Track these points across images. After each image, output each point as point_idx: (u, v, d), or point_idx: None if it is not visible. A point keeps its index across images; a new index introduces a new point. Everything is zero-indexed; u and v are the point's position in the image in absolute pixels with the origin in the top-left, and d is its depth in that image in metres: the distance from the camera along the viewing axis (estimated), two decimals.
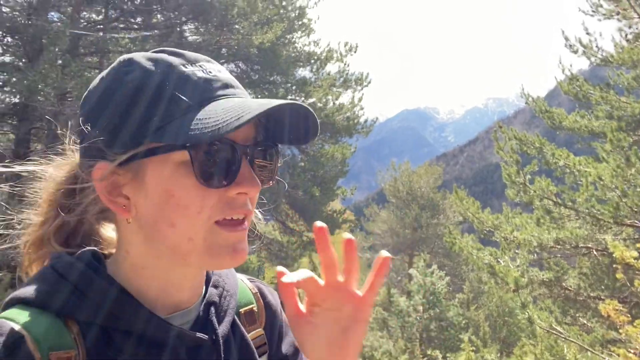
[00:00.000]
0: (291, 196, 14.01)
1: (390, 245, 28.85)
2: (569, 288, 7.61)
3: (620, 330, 3.71)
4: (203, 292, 0.85)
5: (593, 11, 7.74)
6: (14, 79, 8.68)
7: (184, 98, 0.69)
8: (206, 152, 0.69)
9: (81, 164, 0.75)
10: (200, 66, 0.74)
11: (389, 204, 29.57)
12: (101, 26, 11.09)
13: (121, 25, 11.98)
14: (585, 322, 7.98)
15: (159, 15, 12.54)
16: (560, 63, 8.05)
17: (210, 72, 0.73)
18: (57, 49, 8.67)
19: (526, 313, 4.27)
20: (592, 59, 7.97)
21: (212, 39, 11.55)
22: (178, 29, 12.36)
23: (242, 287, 0.96)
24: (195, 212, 0.70)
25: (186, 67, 0.72)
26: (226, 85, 0.74)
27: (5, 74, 9.32)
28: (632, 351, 3.97)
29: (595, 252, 7.01)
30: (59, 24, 9.87)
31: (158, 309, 0.76)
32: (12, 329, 0.65)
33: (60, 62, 8.49)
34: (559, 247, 6.90)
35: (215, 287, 0.87)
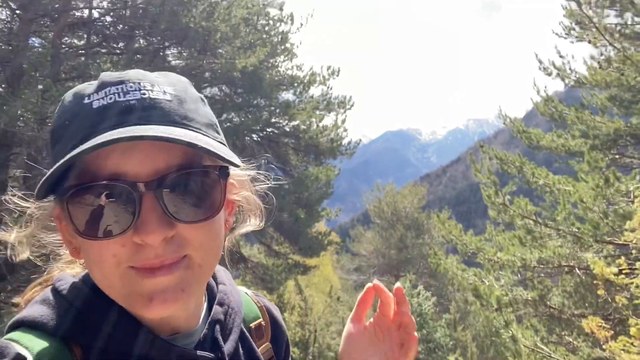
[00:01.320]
0: (276, 219, 13.92)
1: (376, 266, 28.77)
2: (553, 306, 7.67)
3: (604, 347, 3.74)
4: (205, 310, 0.83)
5: (566, 34, 8.04)
6: None
7: (68, 139, 0.65)
8: (80, 197, 0.63)
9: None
10: (105, 92, 0.66)
11: (374, 225, 29.62)
12: (83, 51, 11.07)
13: (103, 50, 11.98)
14: (571, 340, 8.00)
15: (141, 40, 12.60)
16: (535, 85, 8.31)
17: (111, 98, 0.66)
18: (37, 74, 8.62)
19: (510, 332, 4.27)
20: (566, 80, 8.24)
21: (195, 63, 11.61)
22: (161, 53, 12.41)
23: (247, 301, 0.95)
24: (97, 261, 0.65)
25: (89, 98, 0.67)
26: (125, 111, 0.64)
27: None
28: None
29: (577, 271, 7.09)
30: (40, 49, 9.83)
31: (160, 331, 0.74)
32: (17, 353, 0.63)
33: (40, 86, 8.43)
34: (542, 266, 6.97)
35: (221, 305, 0.84)
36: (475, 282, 7.64)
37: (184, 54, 12.30)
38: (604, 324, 3.86)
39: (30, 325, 0.69)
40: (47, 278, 0.81)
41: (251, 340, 0.88)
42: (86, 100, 0.67)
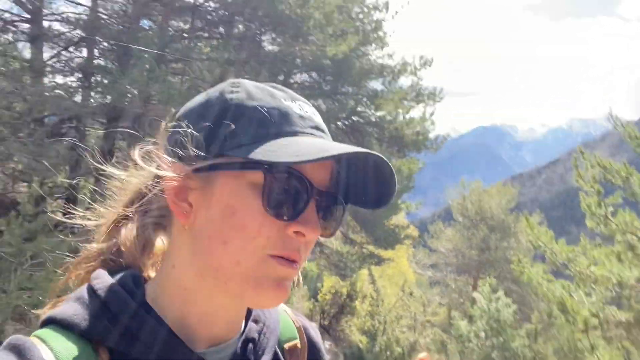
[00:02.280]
0: (354, 207, 13.95)
1: (454, 264, 27.83)
2: None
3: None
4: (242, 328, 0.82)
5: None
6: (106, 82, 9.45)
7: (275, 124, 0.72)
8: (280, 179, 0.70)
9: (160, 162, 0.74)
10: (298, 104, 0.77)
11: (455, 223, 28.57)
12: (186, 35, 11.78)
13: (205, 35, 12.67)
14: None
15: (240, 26, 13.12)
16: None
17: (306, 111, 0.76)
18: (146, 55, 9.33)
19: (595, 357, 3.91)
20: None
21: (288, 49, 11.86)
22: (257, 38, 12.85)
23: (286, 320, 0.93)
24: (251, 235, 0.69)
25: (285, 101, 0.75)
26: (317, 127, 0.76)
27: (99, 76, 10.18)
28: None
29: None
30: (149, 32, 10.63)
31: (195, 340, 0.74)
32: (38, 353, 0.63)
33: (147, 66, 9.14)
34: None
35: (256, 322, 0.84)
36: (562, 295, 7.09)
37: (278, 40, 12.61)
38: None
39: (61, 324, 0.69)
40: (89, 267, 0.82)
41: None
42: (284, 102, 0.75)
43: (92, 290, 0.73)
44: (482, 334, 15.21)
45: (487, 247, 26.13)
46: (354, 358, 16.63)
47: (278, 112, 0.73)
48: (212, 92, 0.77)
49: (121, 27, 10.21)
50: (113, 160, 0.82)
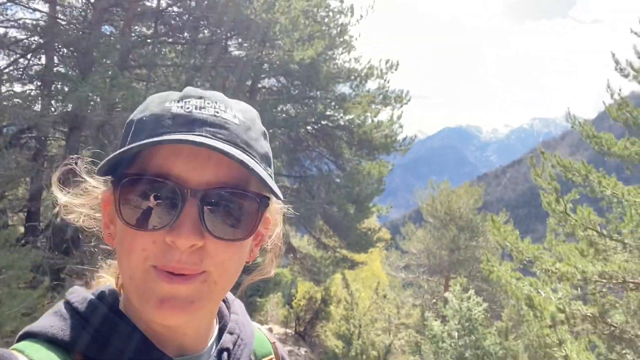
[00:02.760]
0: (326, 212, 13.97)
1: (425, 265, 28.20)
2: (615, 325, 7.15)
3: None
4: (215, 337, 0.83)
5: None
6: (67, 89, 9.15)
7: (140, 132, 0.70)
8: (127, 190, 0.68)
9: (87, 185, 0.80)
10: (185, 102, 0.72)
11: (426, 223, 28.98)
12: (150, 40, 11.56)
13: (169, 40, 12.46)
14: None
15: (205, 31, 12.97)
16: (609, 87, 7.69)
17: (188, 108, 0.71)
18: (107, 61, 9.09)
19: (563, 351, 4.02)
20: None
21: (254, 54, 11.80)
22: (223, 43, 12.73)
23: (260, 337, 0.95)
24: (128, 250, 0.68)
25: (170, 103, 0.72)
26: (195, 122, 0.70)
27: (59, 84, 9.85)
28: None
29: None
30: (111, 38, 10.37)
31: (166, 348, 0.74)
32: None
33: (110, 73, 8.90)
34: (604, 281, 6.51)
35: (231, 333, 0.84)
36: (530, 292, 7.26)
37: (245, 45, 12.54)
38: None
39: (39, 337, 0.69)
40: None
41: None
42: (167, 104, 0.72)
43: (67, 304, 0.74)
44: (455, 334, 15.44)
45: (457, 247, 26.62)
46: None
47: (151, 120, 0.71)
48: None
49: (81, 33, 9.91)
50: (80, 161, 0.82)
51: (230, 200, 0.70)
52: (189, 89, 0.75)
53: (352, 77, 13.94)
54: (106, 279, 0.85)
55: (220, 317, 0.87)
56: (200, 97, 0.73)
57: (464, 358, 15.01)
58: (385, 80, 14.07)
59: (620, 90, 7.85)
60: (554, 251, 7.24)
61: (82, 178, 0.80)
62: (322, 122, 14.19)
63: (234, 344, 0.83)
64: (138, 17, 11.44)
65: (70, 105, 9.23)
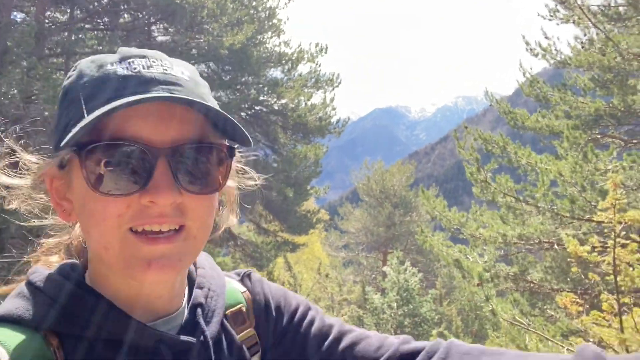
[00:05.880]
0: (265, 197, 14.02)
1: (364, 243, 29.15)
2: (534, 282, 7.93)
3: (577, 320, 3.94)
4: (187, 295, 0.82)
5: (551, 16, 8.11)
6: None
7: (91, 97, 0.67)
8: (93, 157, 0.66)
9: (27, 164, 0.76)
10: (129, 63, 0.69)
11: (362, 203, 29.86)
12: (67, 27, 10.86)
13: (87, 26, 11.77)
14: (552, 313, 8.32)
15: (126, 15, 12.37)
16: (521, 66, 8.40)
17: (135, 68, 0.69)
18: (21, 51, 8.47)
19: (490, 306, 4.49)
20: (552, 61, 8.36)
21: (182, 39, 11.46)
22: (146, 29, 12.22)
23: (230, 287, 0.91)
24: (100, 219, 0.66)
25: (112, 66, 0.69)
26: (149, 82, 0.68)
27: None
28: (590, 340, 4.20)
29: (557, 247, 7.32)
30: (24, 25, 9.63)
31: (139, 316, 0.73)
32: None
33: (25, 63, 8.31)
34: (522, 242, 7.19)
35: (200, 288, 0.84)
36: (459, 258, 7.85)
37: (170, 30, 12.12)
38: (577, 300, 4.06)
39: (6, 320, 0.68)
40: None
41: (229, 326, 0.86)
42: (109, 67, 0.69)
43: (29, 284, 0.73)
44: (394, 304, 16.21)
45: (393, 223, 27.71)
46: None
47: (98, 85, 0.68)
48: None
49: None
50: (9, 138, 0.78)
51: (198, 155, 0.70)
52: (123, 49, 0.72)
53: (283, 62, 13.94)
54: (45, 259, 0.83)
55: (189, 274, 0.86)
56: (144, 56, 0.71)
57: (403, 326, 15.85)
58: (316, 64, 14.22)
59: (531, 68, 8.57)
60: (477, 219, 7.86)
61: (18, 155, 0.75)
62: (256, 108, 14.12)
63: (206, 297, 0.83)
64: (52, 2, 10.68)
65: None
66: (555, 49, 8.30)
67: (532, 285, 8.35)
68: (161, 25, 12.50)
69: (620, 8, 7.33)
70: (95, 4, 11.62)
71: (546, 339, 4.73)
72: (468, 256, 7.95)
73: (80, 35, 11.26)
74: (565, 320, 7.21)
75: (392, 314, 16.08)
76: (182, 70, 0.72)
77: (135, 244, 0.66)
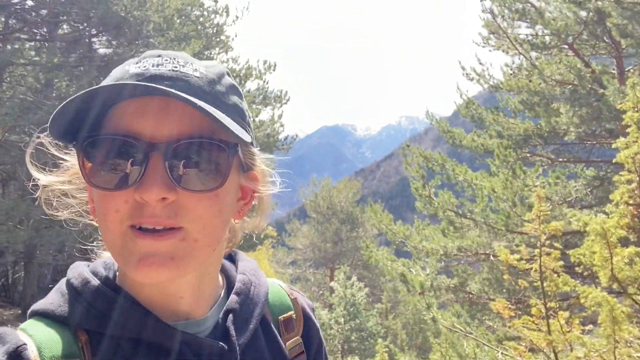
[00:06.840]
0: None
1: (312, 259, 29.22)
2: (472, 292, 8.35)
3: (509, 325, 4.24)
4: (220, 300, 0.82)
5: (484, 43, 8.80)
6: None
7: (104, 97, 0.67)
8: (93, 148, 0.67)
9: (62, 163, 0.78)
10: (142, 62, 0.71)
11: (310, 219, 30.01)
12: (2, 36, 10.34)
13: (24, 36, 11.26)
14: (491, 324, 8.77)
15: (65, 26, 11.96)
16: (459, 89, 9.00)
17: (145, 66, 0.70)
18: None
19: (431, 313, 4.73)
20: (485, 85, 9.03)
21: (126, 53, 11.22)
22: (87, 40, 11.86)
23: (280, 293, 0.92)
24: (103, 215, 0.67)
25: (128, 66, 0.71)
26: (152, 78, 0.68)
27: None
28: (522, 344, 4.53)
29: (492, 258, 7.79)
30: None
31: (167, 317, 0.73)
32: (17, 338, 0.65)
33: None
34: (461, 254, 7.59)
35: (237, 294, 0.83)
36: (403, 271, 8.14)
37: (114, 43, 11.84)
38: (509, 305, 4.37)
39: (41, 314, 0.71)
40: None
41: (276, 332, 0.85)
42: (126, 67, 0.70)
43: (67, 281, 0.75)
44: (342, 320, 16.37)
45: (340, 239, 28.02)
46: None
47: (110, 81, 0.70)
48: None
49: None
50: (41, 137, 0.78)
51: (195, 151, 0.67)
52: (149, 51, 0.74)
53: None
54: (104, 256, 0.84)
55: (229, 279, 0.86)
56: (159, 56, 0.72)
57: (350, 341, 16.01)
58: (264, 81, 14.34)
59: (467, 91, 9.16)
60: (420, 233, 8.22)
61: (57, 157, 0.76)
62: None
63: (241, 305, 0.82)
64: None
65: None
66: (489, 74, 8.99)
67: (470, 296, 8.78)
68: (104, 38, 12.18)
69: (547, 37, 8.08)
70: (33, 13, 11.16)
71: (483, 344, 5.02)
72: (411, 269, 8.26)
73: (16, 46, 10.75)
74: (502, 328, 7.64)
75: (340, 329, 16.20)
76: (196, 68, 0.72)
77: (132, 239, 0.66)
